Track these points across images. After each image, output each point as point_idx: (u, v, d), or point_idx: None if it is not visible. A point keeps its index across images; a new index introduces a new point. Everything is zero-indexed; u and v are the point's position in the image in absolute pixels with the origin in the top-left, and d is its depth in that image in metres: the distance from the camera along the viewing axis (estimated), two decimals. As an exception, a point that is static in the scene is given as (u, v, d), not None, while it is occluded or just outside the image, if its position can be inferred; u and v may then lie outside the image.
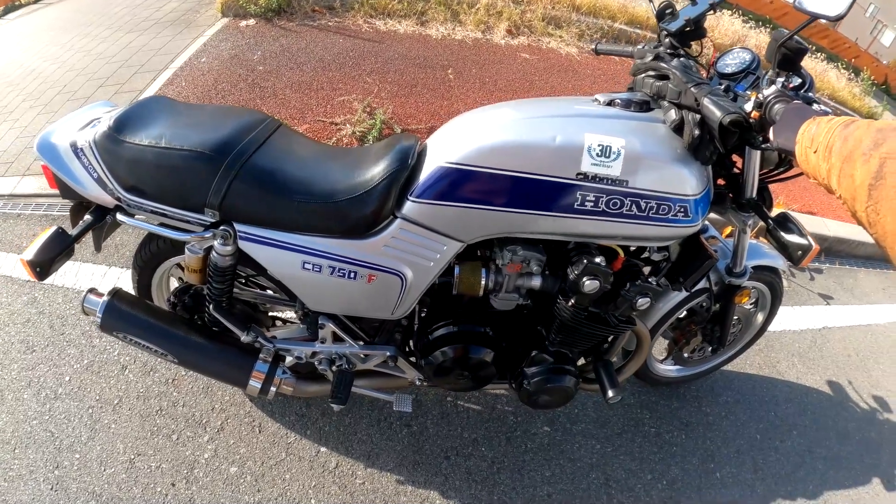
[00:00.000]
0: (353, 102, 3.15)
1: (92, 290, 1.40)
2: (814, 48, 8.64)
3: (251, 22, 4.04)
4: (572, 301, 1.27)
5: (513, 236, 1.23)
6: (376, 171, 1.20)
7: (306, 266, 1.25)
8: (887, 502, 2.02)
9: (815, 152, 0.83)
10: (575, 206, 1.14)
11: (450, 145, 1.18)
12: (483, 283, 1.28)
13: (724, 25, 6.18)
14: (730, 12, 6.96)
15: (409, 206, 1.19)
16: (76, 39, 4.12)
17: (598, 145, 1.10)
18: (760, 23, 7.62)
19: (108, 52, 3.81)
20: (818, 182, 0.86)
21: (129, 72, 3.50)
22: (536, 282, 1.31)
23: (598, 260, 1.20)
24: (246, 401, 1.78)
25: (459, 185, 1.15)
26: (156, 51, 3.74)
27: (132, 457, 1.59)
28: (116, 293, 1.40)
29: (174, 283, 1.63)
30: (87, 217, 1.30)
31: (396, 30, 4.20)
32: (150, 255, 1.48)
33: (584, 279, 1.20)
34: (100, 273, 2.13)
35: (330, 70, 3.50)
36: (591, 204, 1.14)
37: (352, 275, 1.25)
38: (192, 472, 1.59)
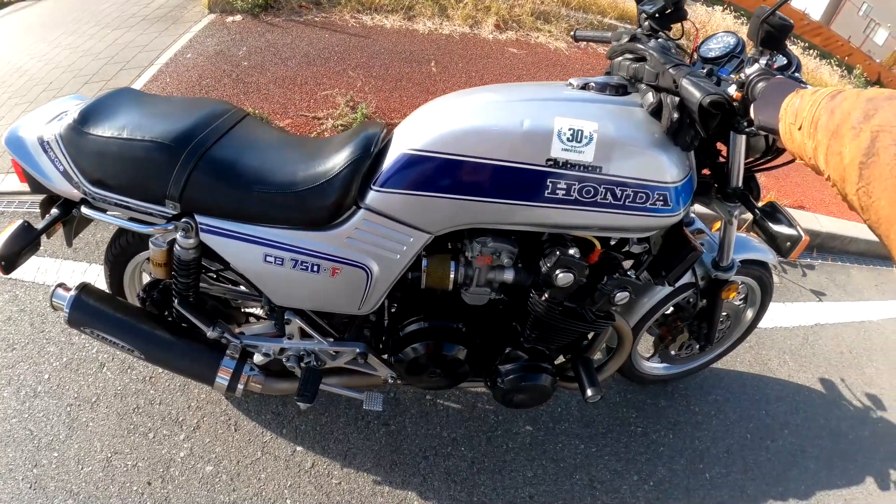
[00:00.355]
0: (336, 97, 3.11)
1: (61, 285, 1.38)
2: (806, 45, 8.60)
3: (237, 18, 4.01)
4: (546, 295, 1.22)
5: (483, 227, 1.17)
6: (338, 159, 1.15)
7: (268, 259, 1.20)
8: (880, 501, 1.99)
9: (799, 129, 0.75)
10: (545, 195, 1.09)
11: (414, 132, 1.13)
12: (452, 276, 1.23)
13: (715, 21, 6.15)
14: (721, 8, 6.92)
15: (372, 196, 1.14)
16: (63, 36, 4.09)
17: (569, 129, 1.04)
18: (753, 19, 7.57)
19: (95, 48, 3.79)
20: (805, 163, 0.78)
21: (115, 68, 3.48)
22: (509, 275, 1.25)
23: (571, 252, 1.15)
24: (222, 399, 1.75)
25: (423, 172, 1.09)
26: (142, 47, 3.72)
27: (109, 455, 1.57)
28: (84, 288, 1.38)
29: (147, 278, 1.59)
30: (54, 211, 1.29)
31: (383, 25, 4.16)
32: (121, 250, 1.47)
33: (557, 272, 1.14)
34: (80, 270, 2.10)
35: (315, 65, 3.47)
36: (563, 192, 1.08)
37: (315, 268, 1.19)
38: (168, 470, 1.57)
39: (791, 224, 1.26)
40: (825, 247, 3.34)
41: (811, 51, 8.29)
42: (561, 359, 1.60)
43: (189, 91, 3.10)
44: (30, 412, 1.64)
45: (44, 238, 1.29)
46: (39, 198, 1.31)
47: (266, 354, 1.46)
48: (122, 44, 3.79)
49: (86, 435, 1.60)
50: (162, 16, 4.20)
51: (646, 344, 2.01)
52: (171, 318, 1.49)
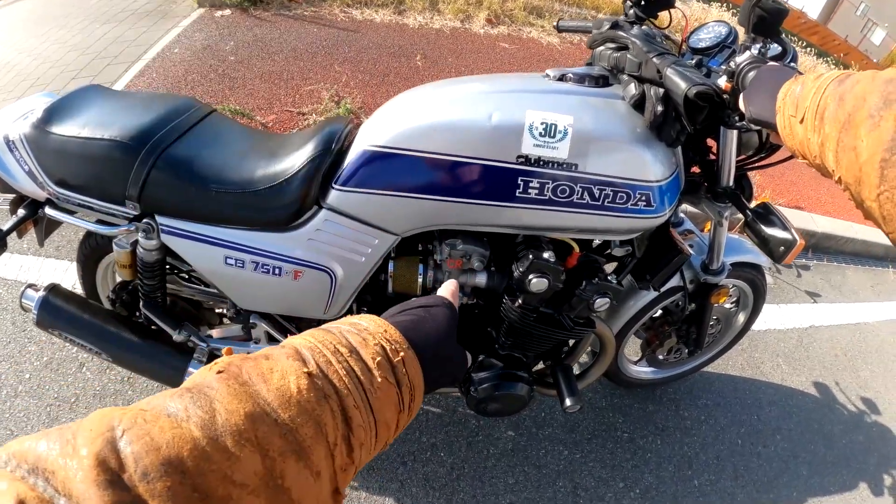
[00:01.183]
0: (321, 92, 3.05)
1: (31, 286, 1.35)
2: (803, 44, 8.54)
3: (227, 12, 3.98)
4: (520, 301, 1.15)
5: (452, 229, 1.11)
6: (298, 157, 1.09)
7: (229, 261, 1.15)
8: (875, 509, 1.94)
9: (801, 121, 0.63)
10: (517, 195, 1.02)
11: (377, 127, 1.06)
12: (420, 280, 1.17)
13: (711, 18, 6.07)
14: (718, 4, 6.85)
15: (333, 195, 1.08)
16: (52, 31, 4.05)
17: (542, 123, 0.97)
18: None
19: (84, 43, 3.76)
20: (809, 162, 0.66)
21: (103, 63, 3.44)
22: (480, 279, 1.19)
23: (546, 255, 1.08)
24: None
25: (385, 170, 1.03)
26: (130, 42, 3.68)
27: None
28: (52, 289, 1.34)
29: (119, 279, 1.56)
30: (21, 211, 1.26)
31: (373, 19, 4.10)
32: (91, 250, 1.46)
33: (531, 277, 1.08)
34: (62, 268, 2.06)
35: (302, 60, 3.43)
36: (536, 191, 1.02)
37: (276, 271, 1.13)
38: None
39: (785, 227, 1.18)
40: (821, 247, 3.29)
41: (808, 49, 8.23)
42: (541, 365, 1.54)
43: (176, 86, 3.06)
44: (10, 412, 1.61)
45: (30, 236, 1.31)
46: (10, 196, 1.29)
47: (234, 359, 1.40)
48: (111, 38, 3.76)
49: (66, 437, 1.58)
50: (151, 10, 4.16)
51: (633, 347, 1.95)
52: (141, 321, 1.45)
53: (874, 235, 3.44)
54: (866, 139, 0.51)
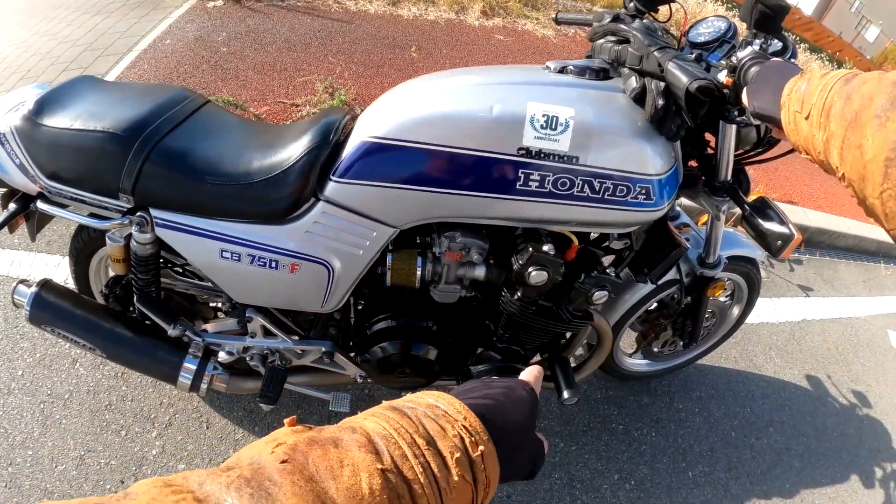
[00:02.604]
0: (315, 83, 3.02)
1: (23, 282, 1.33)
2: (797, 39, 8.56)
3: (219, 3, 3.93)
4: (519, 294, 1.15)
5: (451, 221, 1.10)
6: (295, 148, 1.08)
7: (224, 254, 1.14)
8: (865, 499, 1.98)
9: (806, 118, 0.64)
10: (517, 187, 1.01)
11: (376, 118, 1.05)
12: (419, 273, 1.16)
13: (708, 13, 6.08)
14: (714, -1, 6.86)
15: (331, 187, 1.06)
16: (43, 23, 3.98)
17: (543, 115, 0.97)
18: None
19: (74, 35, 3.69)
20: (812, 158, 0.68)
21: (93, 55, 3.38)
22: (479, 272, 1.18)
23: (546, 248, 1.07)
24: (194, 396, 1.70)
25: (384, 161, 1.02)
26: (121, 33, 3.62)
27: (82, 453, 1.55)
28: (45, 284, 1.33)
29: (112, 273, 1.53)
30: (12, 205, 1.25)
31: (367, 10, 4.06)
32: (83, 244, 1.44)
33: (530, 270, 1.08)
34: (54, 263, 2.03)
35: (295, 51, 3.39)
36: (536, 184, 1.01)
37: (273, 264, 1.12)
38: (141, 468, 1.54)
39: (782, 221, 1.19)
40: (813, 242, 3.32)
41: (802, 44, 8.26)
42: (537, 358, 1.54)
43: (167, 77, 3.01)
44: (3, 409, 1.60)
45: (20, 231, 1.29)
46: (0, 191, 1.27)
47: (230, 353, 1.40)
48: (102, 30, 3.70)
49: (59, 433, 1.58)
50: (142, 1, 4.08)
51: (628, 339, 1.96)
52: (135, 315, 1.43)
53: (866, 231, 3.47)
54: (872, 138, 0.52)
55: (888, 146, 0.50)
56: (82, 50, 3.45)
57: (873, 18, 21.83)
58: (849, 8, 22.09)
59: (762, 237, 1.21)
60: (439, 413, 0.39)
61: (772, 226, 1.19)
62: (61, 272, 1.99)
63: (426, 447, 0.36)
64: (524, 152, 0.99)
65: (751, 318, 2.01)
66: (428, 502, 0.34)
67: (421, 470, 0.34)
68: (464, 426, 0.39)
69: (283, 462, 0.31)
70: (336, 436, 0.34)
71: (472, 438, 0.39)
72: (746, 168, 1.30)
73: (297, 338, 1.34)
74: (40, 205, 1.20)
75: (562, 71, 1.10)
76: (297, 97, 2.90)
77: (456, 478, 0.36)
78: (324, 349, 1.33)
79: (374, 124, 1.03)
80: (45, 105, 1.11)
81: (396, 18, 4.06)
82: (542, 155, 0.99)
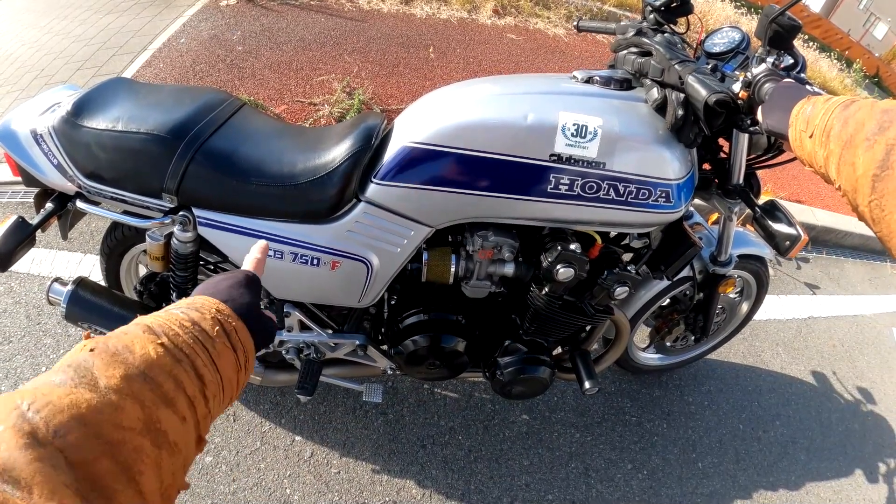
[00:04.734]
0: (332, 82, 3.07)
1: (57, 280, 1.34)
2: (805, 37, 8.56)
3: (232, 1, 3.93)
4: (546, 289, 1.22)
5: (484, 221, 1.17)
6: (338, 151, 1.13)
7: (267, 252, 1.19)
8: (869, 493, 2.02)
9: (810, 136, 0.74)
10: (548, 190, 1.08)
11: (416, 124, 1.11)
12: (453, 270, 1.23)
13: (716, 11, 6.10)
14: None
15: (372, 189, 1.13)
16: (55, 22, 3.99)
17: (574, 125, 1.03)
18: (753, 10, 7.54)
19: (87, 34, 3.70)
20: (815, 171, 0.78)
21: (108, 54, 3.39)
22: (509, 269, 1.25)
23: (573, 247, 1.14)
24: None
25: (424, 166, 1.08)
26: (135, 32, 3.63)
27: None
28: (81, 282, 1.34)
29: (143, 270, 1.56)
30: (49, 205, 1.26)
31: (380, 9, 4.10)
32: (116, 242, 1.45)
33: (558, 267, 1.14)
34: (75, 261, 2.06)
35: (310, 50, 3.42)
36: (566, 187, 1.08)
37: (315, 261, 1.18)
38: None
39: (791, 223, 1.26)
40: (820, 240, 3.36)
41: (811, 43, 8.25)
42: (558, 350, 1.61)
43: (183, 77, 3.03)
44: None
45: (51, 230, 1.28)
46: (33, 189, 1.28)
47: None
48: (115, 29, 3.70)
49: (84, 430, 1.61)
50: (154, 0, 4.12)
51: (641, 334, 2.02)
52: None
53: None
54: (862, 157, 0.62)
55: (875, 164, 0.60)
56: (96, 49, 3.46)
57: (881, 15, 21.71)
58: (857, 5, 21.97)
59: (771, 237, 1.28)
60: (196, 305, 0.51)
61: (781, 227, 1.26)
62: (82, 269, 2.02)
63: (192, 326, 0.47)
64: (556, 158, 1.05)
65: (758, 315, 2.06)
66: (203, 361, 0.46)
67: (192, 340, 0.46)
68: (217, 310, 0.51)
69: (92, 350, 0.41)
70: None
71: (226, 318, 0.51)
72: (757, 171, 1.37)
73: (331, 331, 1.41)
74: (79, 204, 1.22)
75: (588, 80, 1.17)
76: (314, 96, 2.94)
77: (219, 345, 0.48)
78: (357, 342, 1.39)
79: (413, 130, 1.10)
80: (83, 106, 1.13)
81: (409, 17, 4.09)
82: (572, 161, 1.06)
